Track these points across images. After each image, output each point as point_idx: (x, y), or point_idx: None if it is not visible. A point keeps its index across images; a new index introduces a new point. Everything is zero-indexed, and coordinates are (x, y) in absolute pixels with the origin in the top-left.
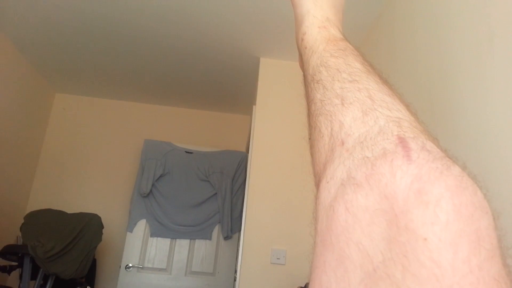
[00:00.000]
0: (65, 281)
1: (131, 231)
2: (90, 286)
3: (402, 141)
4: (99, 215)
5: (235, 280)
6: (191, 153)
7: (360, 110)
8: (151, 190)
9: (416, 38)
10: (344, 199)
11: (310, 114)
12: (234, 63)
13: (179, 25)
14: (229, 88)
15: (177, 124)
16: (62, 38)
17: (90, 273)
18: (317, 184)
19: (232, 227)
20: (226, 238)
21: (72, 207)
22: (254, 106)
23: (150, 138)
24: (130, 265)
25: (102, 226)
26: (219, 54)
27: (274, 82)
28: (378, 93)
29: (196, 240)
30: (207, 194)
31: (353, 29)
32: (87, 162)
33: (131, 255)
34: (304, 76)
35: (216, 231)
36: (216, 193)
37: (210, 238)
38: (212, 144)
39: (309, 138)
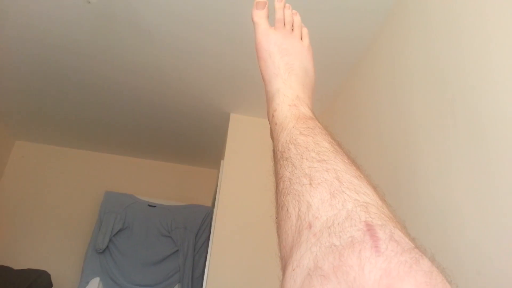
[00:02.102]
0: None
1: None
2: None
3: (370, 229)
4: (50, 271)
5: None
6: (154, 206)
7: (328, 192)
8: (107, 246)
9: (379, 107)
10: None
11: (278, 192)
12: (204, 117)
13: (148, 78)
14: (197, 141)
15: (141, 176)
16: (25, 85)
17: None
18: (283, 269)
19: (192, 287)
20: None
21: (21, 262)
22: (222, 161)
23: (112, 190)
24: None
25: (50, 285)
26: (188, 107)
27: (243, 137)
28: (345, 174)
29: None
30: (168, 251)
31: (318, 97)
32: (42, 214)
33: None
34: (274, 152)
35: None
36: (177, 250)
37: None
38: (178, 197)
39: (276, 217)
